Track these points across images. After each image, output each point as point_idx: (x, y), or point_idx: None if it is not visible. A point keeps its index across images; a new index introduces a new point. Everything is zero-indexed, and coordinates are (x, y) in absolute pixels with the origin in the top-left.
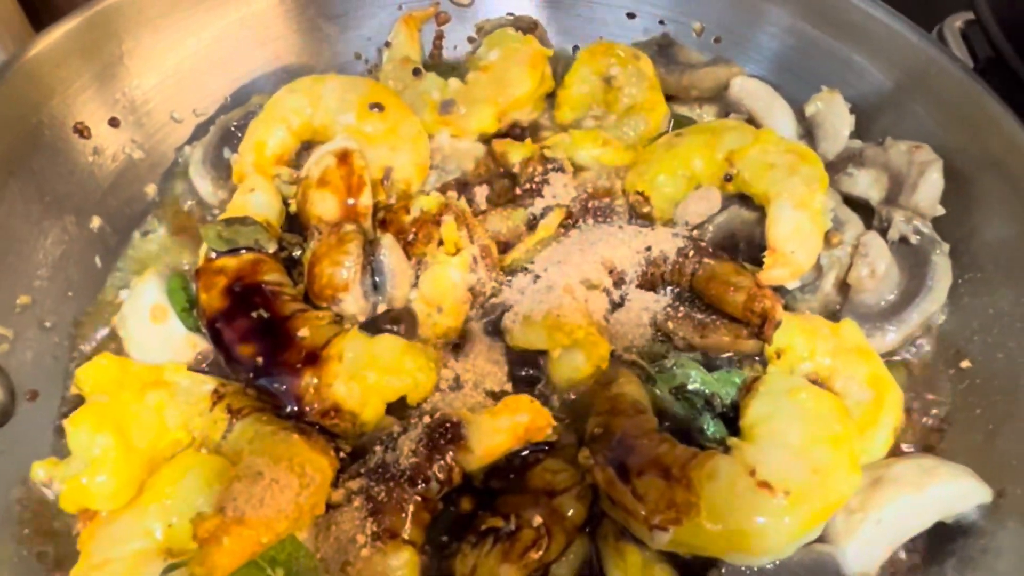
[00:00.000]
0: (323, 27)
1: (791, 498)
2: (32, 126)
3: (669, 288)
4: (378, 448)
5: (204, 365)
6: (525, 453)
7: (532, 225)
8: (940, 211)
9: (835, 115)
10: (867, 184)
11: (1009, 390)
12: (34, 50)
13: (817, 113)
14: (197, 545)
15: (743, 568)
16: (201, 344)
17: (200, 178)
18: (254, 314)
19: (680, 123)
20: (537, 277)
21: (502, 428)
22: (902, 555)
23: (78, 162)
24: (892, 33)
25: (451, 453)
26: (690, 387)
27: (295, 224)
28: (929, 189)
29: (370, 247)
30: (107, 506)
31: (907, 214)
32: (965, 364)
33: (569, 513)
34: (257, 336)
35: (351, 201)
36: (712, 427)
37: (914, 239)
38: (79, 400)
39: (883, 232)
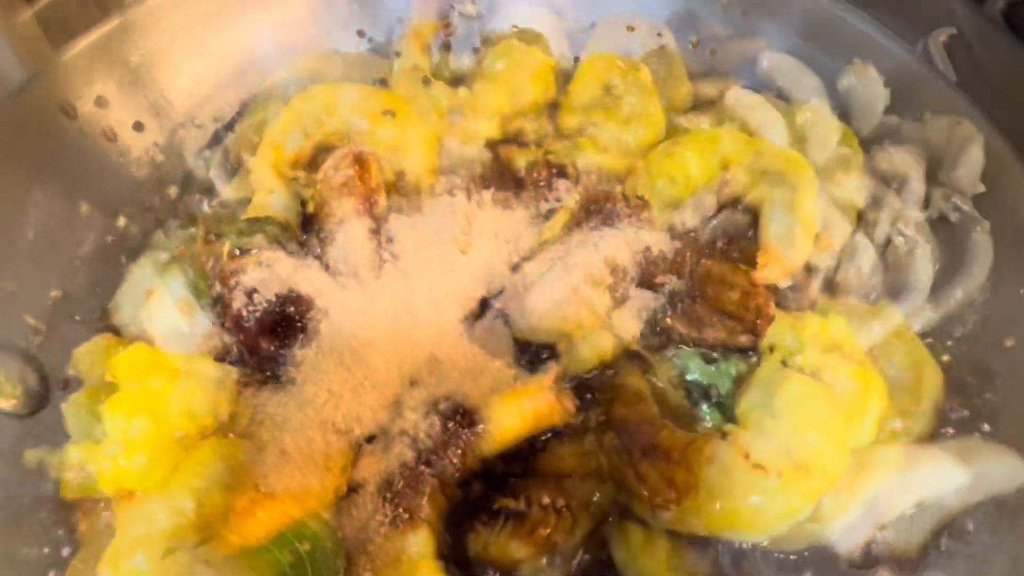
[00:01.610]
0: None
1: (783, 479)
2: (61, 129)
3: (667, 287)
4: (396, 433)
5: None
6: (535, 438)
7: (537, 226)
8: (980, 188)
9: (869, 89)
10: (903, 160)
11: None
12: (62, 57)
13: (850, 87)
14: (231, 517)
15: (739, 545)
16: (224, 337)
17: (220, 180)
18: (276, 309)
19: (673, 134)
20: (543, 274)
21: (519, 411)
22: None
23: (105, 164)
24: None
25: (467, 438)
26: (688, 377)
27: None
28: (969, 165)
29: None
30: (143, 486)
31: (946, 191)
32: (1010, 343)
33: (578, 494)
34: (279, 329)
35: (368, 202)
36: (709, 415)
37: (953, 217)
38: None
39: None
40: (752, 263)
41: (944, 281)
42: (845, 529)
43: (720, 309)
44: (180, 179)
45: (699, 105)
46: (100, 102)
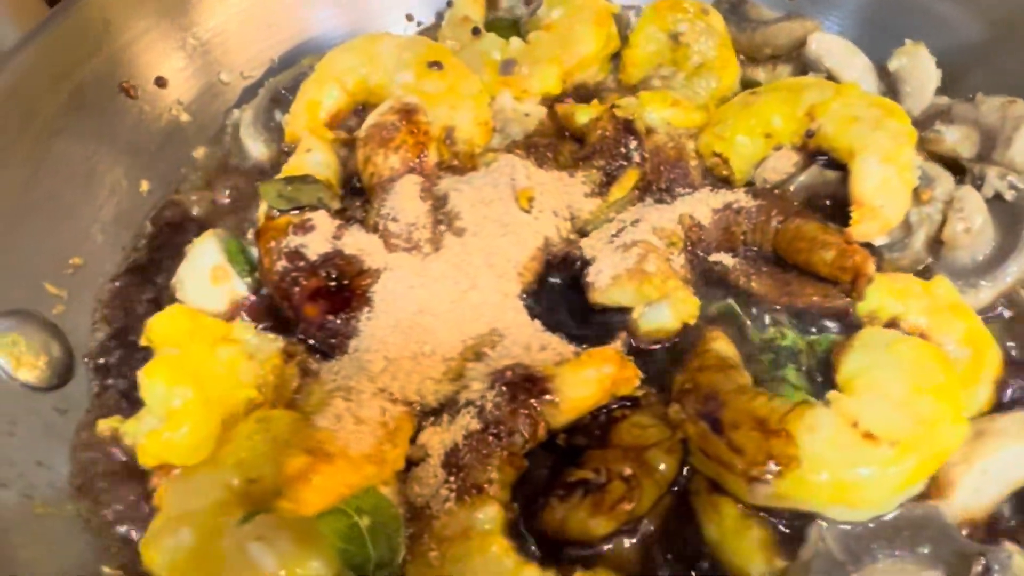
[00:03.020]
0: None
1: (897, 449)
2: (77, 85)
3: (751, 247)
4: (460, 404)
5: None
6: (609, 410)
7: (604, 186)
8: None
9: (920, 70)
10: (956, 141)
11: None
12: (78, 8)
13: (900, 68)
14: (285, 484)
15: (843, 524)
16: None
17: (252, 140)
18: (322, 272)
19: (748, 87)
20: (614, 236)
21: (588, 380)
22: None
23: (124, 124)
24: None
25: (536, 407)
26: (781, 343)
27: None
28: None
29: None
30: (188, 460)
31: (1001, 170)
32: None
33: (660, 467)
34: (325, 294)
35: (415, 160)
36: (795, 377)
37: (1009, 195)
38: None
39: (976, 188)
40: (841, 223)
41: (1000, 258)
42: (964, 502)
43: (812, 270)
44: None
45: (776, 56)
46: (118, 54)
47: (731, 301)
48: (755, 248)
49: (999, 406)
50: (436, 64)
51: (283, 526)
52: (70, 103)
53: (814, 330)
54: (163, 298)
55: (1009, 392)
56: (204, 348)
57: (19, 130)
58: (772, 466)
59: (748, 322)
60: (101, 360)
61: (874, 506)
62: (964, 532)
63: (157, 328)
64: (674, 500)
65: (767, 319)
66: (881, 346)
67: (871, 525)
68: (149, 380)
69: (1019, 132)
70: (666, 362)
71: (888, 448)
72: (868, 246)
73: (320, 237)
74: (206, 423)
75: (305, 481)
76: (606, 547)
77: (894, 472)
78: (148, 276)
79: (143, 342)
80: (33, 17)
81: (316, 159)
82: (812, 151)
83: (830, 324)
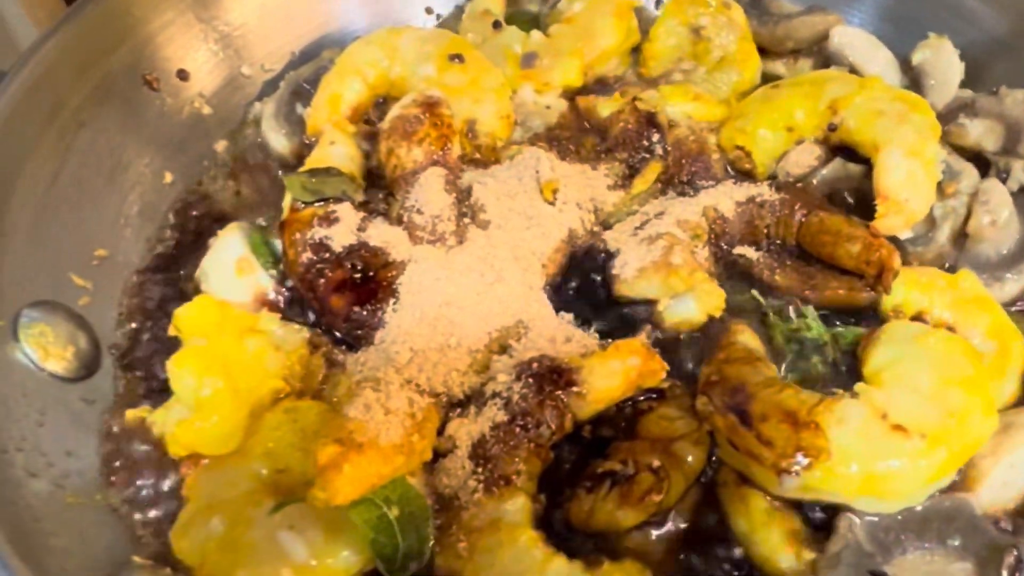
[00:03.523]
0: None
1: (927, 441)
2: (101, 77)
3: (768, 241)
4: (487, 395)
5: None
6: (636, 401)
7: (627, 179)
8: None
9: (944, 63)
10: (980, 135)
11: None
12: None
13: (924, 62)
14: (316, 473)
15: (872, 516)
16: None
17: (273, 133)
18: (347, 264)
19: (769, 81)
20: (638, 228)
21: (615, 371)
22: None
23: (148, 116)
24: None
25: (563, 398)
26: (806, 335)
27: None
28: None
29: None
30: (218, 450)
31: None
32: None
33: (688, 459)
34: (351, 286)
35: (439, 153)
36: (819, 366)
37: None
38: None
39: (1001, 182)
40: (865, 218)
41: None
42: (992, 495)
43: (836, 264)
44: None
45: (797, 50)
46: (140, 47)
47: (755, 292)
48: (779, 241)
49: None
50: (458, 57)
51: (313, 516)
52: (95, 95)
53: (838, 323)
54: (188, 290)
55: None
56: (231, 338)
57: (45, 123)
58: (801, 458)
59: (772, 315)
60: (127, 351)
61: (904, 498)
62: (993, 524)
63: (185, 318)
64: (701, 492)
65: (791, 312)
66: (908, 339)
67: (900, 517)
68: (178, 369)
69: None
70: (691, 355)
71: (918, 440)
72: (892, 240)
73: (345, 229)
74: (235, 413)
75: (337, 470)
76: (634, 539)
77: (924, 464)
78: (172, 268)
79: (171, 332)
80: (49, 14)
81: (339, 152)
82: (834, 145)
83: (854, 317)
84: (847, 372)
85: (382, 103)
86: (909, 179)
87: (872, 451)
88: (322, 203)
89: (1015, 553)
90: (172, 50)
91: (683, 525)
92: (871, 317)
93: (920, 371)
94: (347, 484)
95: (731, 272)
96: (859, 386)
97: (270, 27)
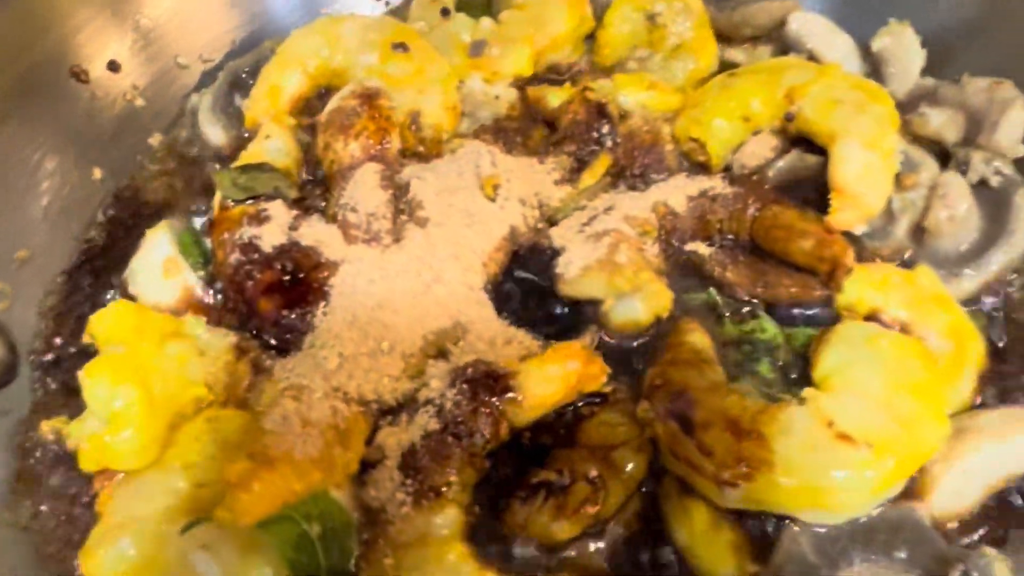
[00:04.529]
0: None
1: (874, 451)
2: (25, 69)
3: (726, 236)
4: (418, 402)
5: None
6: (576, 407)
7: (575, 172)
8: (1022, 151)
9: (904, 50)
10: (941, 124)
11: None
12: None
13: (884, 49)
14: (225, 491)
15: (818, 526)
16: (218, 298)
17: (210, 126)
18: (277, 265)
19: (728, 68)
20: (585, 225)
21: (553, 377)
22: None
23: (76, 109)
24: None
25: (498, 405)
26: (760, 337)
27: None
28: (1011, 128)
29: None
30: (132, 465)
31: (986, 155)
32: None
33: (628, 467)
34: (280, 288)
35: (379, 144)
36: (768, 371)
37: (995, 181)
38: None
39: (961, 174)
40: (822, 211)
41: (984, 246)
42: (943, 503)
43: (789, 260)
44: (163, 126)
45: (755, 36)
46: (69, 36)
47: (712, 291)
48: (732, 237)
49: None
50: (401, 46)
51: (229, 534)
52: (16, 89)
53: (792, 322)
54: (116, 292)
55: (992, 387)
56: (151, 345)
57: None
58: (743, 469)
59: (727, 313)
60: (47, 358)
61: (850, 510)
62: (942, 534)
63: (100, 325)
64: (643, 502)
65: (745, 311)
66: (860, 341)
67: (846, 527)
68: (90, 380)
69: (1006, 115)
70: (638, 357)
71: (865, 450)
72: (848, 235)
73: (276, 228)
74: (151, 425)
75: (244, 488)
76: (572, 551)
77: (871, 475)
78: (101, 269)
79: (85, 339)
80: None
81: (274, 146)
82: (792, 135)
83: (808, 316)
84: (798, 376)
85: (325, 94)
86: (866, 172)
87: (816, 462)
88: (253, 201)
89: (962, 568)
90: (101, 40)
91: (624, 537)
92: (825, 315)
93: (870, 376)
94: (255, 502)
95: (683, 269)
96: (807, 391)
97: (208, 14)
